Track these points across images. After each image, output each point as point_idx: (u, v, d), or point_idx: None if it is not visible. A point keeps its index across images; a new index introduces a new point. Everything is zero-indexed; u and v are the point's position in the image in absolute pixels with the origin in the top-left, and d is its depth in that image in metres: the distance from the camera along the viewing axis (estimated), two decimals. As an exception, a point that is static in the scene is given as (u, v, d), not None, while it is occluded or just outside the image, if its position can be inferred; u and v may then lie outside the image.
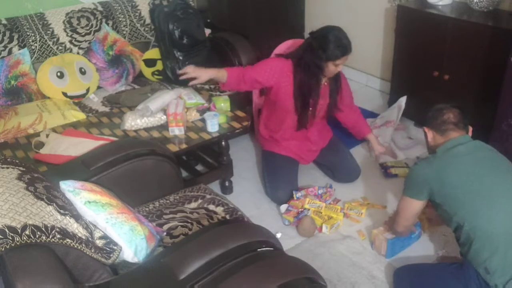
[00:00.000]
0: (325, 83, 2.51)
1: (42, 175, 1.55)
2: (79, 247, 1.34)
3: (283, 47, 2.78)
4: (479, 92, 2.82)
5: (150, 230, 1.63)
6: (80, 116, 2.62)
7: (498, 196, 1.74)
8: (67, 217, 1.38)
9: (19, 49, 2.74)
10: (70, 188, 1.53)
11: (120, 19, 3.06)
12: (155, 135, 2.43)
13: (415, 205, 1.92)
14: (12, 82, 2.69)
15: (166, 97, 2.54)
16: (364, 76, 4.01)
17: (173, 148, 2.32)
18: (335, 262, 2.21)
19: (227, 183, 2.73)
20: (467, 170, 1.79)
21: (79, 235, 1.37)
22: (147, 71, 3.08)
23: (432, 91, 3.04)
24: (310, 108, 2.50)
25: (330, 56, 2.30)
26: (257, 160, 3.03)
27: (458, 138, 1.86)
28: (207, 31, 3.20)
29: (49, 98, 2.75)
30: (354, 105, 2.78)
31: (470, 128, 1.93)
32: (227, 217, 1.87)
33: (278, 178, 2.61)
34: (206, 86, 2.97)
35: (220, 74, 2.47)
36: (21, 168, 1.48)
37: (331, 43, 2.28)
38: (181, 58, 2.96)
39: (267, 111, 2.72)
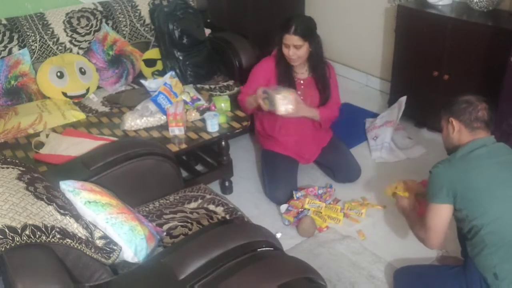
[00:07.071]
0: (311, 76, 2.57)
1: (42, 175, 1.55)
2: (79, 247, 1.34)
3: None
4: (479, 92, 2.77)
5: (150, 230, 1.63)
6: (80, 116, 2.62)
7: None
8: (67, 217, 1.38)
9: (19, 49, 2.74)
10: (70, 188, 1.54)
11: (120, 19, 3.06)
12: (155, 135, 2.43)
13: (444, 212, 1.76)
14: (12, 82, 2.69)
15: (166, 97, 2.54)
16: (364, 76, 4.01)
17: (173, 148, 2.32)
18: (335, 262, 2.21)
19: (227, 183, 2.73)
20: (492, 174, 1.71)
21: (79, 235, 1.37)
22: (147, 71, 3.08)
23: (432, 91, 3.04)
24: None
25: (279, 37, 2.40)
26: (257, 160, 3.03)
27: (484, 139, 1.76)
28: (207, 31, 3.20)
29: (49, 98, 2.75)
30: (336, 104, 2.68)
31: None
32: (227, 217, 1.87)
33: (277, 178, 2.60)
34: (206, 86, 2.97)
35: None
36: (21, 168, 1.49)
37: (280, 25, 2.39)
38: (181, 58, 2.96)
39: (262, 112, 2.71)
